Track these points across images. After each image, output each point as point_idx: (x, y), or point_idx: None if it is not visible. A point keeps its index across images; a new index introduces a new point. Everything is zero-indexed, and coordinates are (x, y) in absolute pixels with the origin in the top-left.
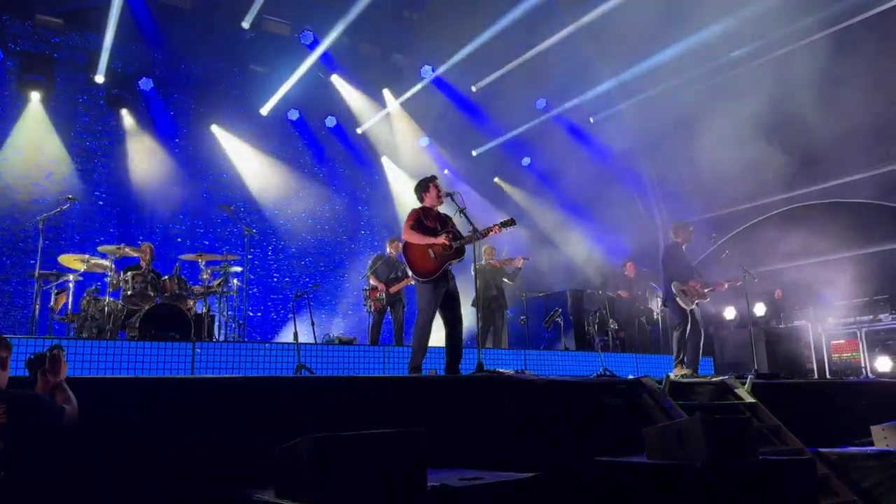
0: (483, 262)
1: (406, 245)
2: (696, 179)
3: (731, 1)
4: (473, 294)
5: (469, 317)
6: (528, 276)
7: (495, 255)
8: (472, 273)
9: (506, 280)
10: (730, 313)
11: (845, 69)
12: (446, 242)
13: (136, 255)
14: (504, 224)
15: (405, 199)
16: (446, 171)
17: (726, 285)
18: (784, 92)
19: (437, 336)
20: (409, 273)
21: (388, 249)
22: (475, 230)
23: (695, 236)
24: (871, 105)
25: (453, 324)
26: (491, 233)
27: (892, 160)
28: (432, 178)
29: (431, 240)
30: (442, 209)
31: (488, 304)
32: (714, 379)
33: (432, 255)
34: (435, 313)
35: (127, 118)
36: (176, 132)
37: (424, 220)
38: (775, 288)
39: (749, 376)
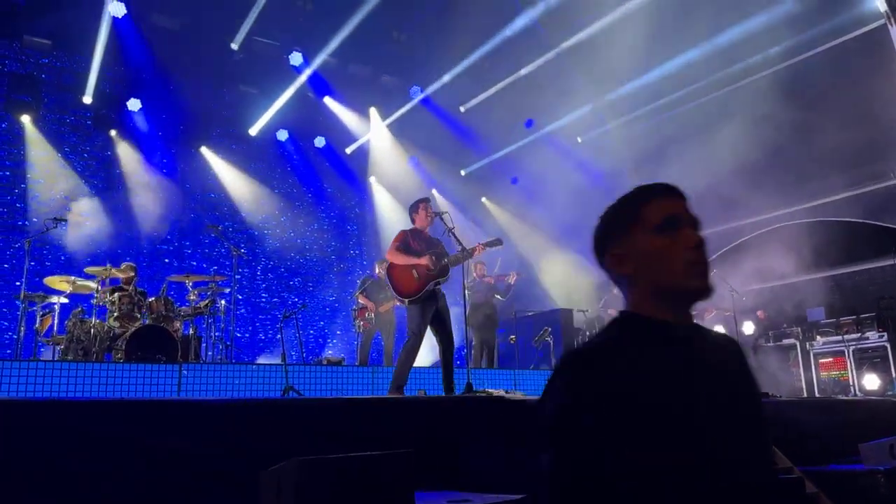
0: (473, 278)
1: (390, 266)
2: None
3: (716, 23)
4: (464, 312)
5: (459, 335)
6: (517, 294)
7: (486, 271)
8: (462, 292)
9: (497, 297)
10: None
11: (829, 89)
12: (428, 264)
13: (120, 275)
14: (489, 244)
15: (393, 218)
16: (434, 191)
17: (714, 312)
18: (770, 112)
19: (422, 356)
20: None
21: (377, 270)
22: (463, 249)
23: None
24: (854, 125)
25: (446, 343)
26: (475, 253)
27: (876, 179)
28: (423, 200)
29: (415, 260)
30: (432, 230)
31: (482, 323)
32: None
33: (416, 275)
34: (424, 334)
35: (115, 139)
36: (164, 152)
37: (411, 241)
38: (761, 307)
39: None
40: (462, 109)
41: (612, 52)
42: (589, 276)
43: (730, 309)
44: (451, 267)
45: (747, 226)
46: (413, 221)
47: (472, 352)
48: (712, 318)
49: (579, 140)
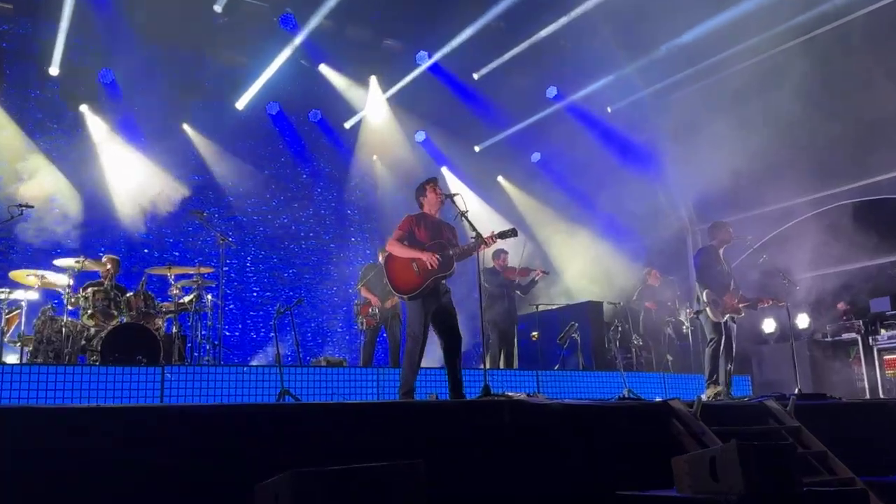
0: (493, 267)
1: (388, 257)
2: (729, 176)
3: None
4: (479, 306)
5: (475, 331)
6: (539, 285)
7: (508, 261)
8: (478, 283)
9: (518, 293)
10: (769, 326)
11: (881, 54)
12: (431, 260)
13: (97, 268)
14: (502, 234)
15: (399, 201)
16: (444, 170)
17: (769, 303)
18: (819, 76)
19: (434, 356)
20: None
21: (379, 259)
22: (478, 235)
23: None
24: None
25: (449, 344)
26: (485, 245)
27: None
28: (430, 181)
29: (416, 254)
30: (443, 214)
31: (500, 319)
32: (751, 400)
33: (416, 269)
34: (425, 333)
35: (86, 115)
36: (141, 130)
37: (416, 229)
38: (817, 297)
39: (791, 397)
40: (475, 77)
41: (645, 11)
42: (620, 263)
43: (783, 300)
44: (460, 260)
45: (797, 206)
46: (420, 205)
47: (489, 350)
48: (764, 309)
49: (609, 110)
